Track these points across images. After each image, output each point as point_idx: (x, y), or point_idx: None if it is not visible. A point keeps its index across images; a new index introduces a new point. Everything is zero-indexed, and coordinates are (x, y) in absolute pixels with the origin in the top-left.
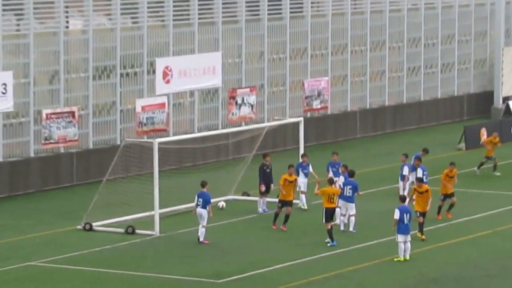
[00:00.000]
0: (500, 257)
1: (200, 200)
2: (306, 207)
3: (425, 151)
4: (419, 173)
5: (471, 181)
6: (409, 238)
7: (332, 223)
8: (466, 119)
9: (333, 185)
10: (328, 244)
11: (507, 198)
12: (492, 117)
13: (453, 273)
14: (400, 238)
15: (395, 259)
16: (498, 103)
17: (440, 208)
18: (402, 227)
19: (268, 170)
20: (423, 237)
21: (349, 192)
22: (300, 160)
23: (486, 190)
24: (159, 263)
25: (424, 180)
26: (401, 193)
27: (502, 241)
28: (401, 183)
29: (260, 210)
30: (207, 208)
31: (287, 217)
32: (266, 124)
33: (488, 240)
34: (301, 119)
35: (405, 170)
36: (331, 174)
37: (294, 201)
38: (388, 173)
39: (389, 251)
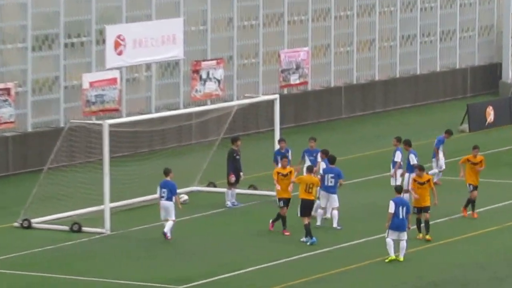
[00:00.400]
0: (510, 257)
1: (164, 190)
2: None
3: (449, 133)
4: (412, 159)
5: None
6: (404, 236)
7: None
8: (470, 96)
9: (313, 174)
10: (308, 243)
11: None
12: (500, 93)
13: (455, 276)
14: (391, 234)
15: (387, 260)
16: (507, 77)
17: (469, 202)
18: (396, 222)
19: (238, 157)
20: (428, 237)
21: (330, 182)
22: (277, 147)
23: (494, 179)
24: (110, 266)
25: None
26: (392, 183)
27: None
28: (393, 171)
29: (228, 203)
30: (173, 199)
31: (284, 219)
32: (235, 102)
33: (496, 237)
34: (277, 96)
35: (397, 156)
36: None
37: (269, 192)
38: (378, 159)
39: (381, 251)
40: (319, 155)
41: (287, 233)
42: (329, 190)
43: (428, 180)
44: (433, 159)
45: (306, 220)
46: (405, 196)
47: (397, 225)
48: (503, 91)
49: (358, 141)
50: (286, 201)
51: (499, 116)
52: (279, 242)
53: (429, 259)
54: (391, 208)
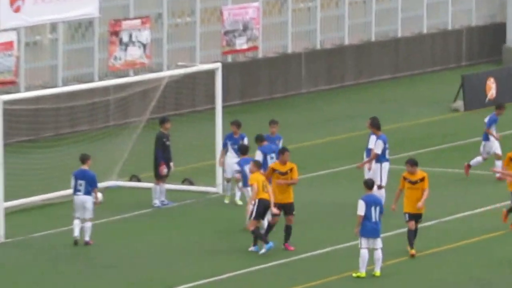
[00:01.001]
0: (505, 268)
1: (81, 182)
2: (240, 202)
3: (501, 108)
4: (378, 146)
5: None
6: (379, 243)
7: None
8: (466, 65)
9: (261, 170)
10: (260, 252)
11: None
12: (504, 61)
13: None
14: (364, 242)
15: (354, 275)
16: None
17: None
18: (368, 227)
19: (168, 143)
20: (412, 251)
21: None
22: (221, 130)
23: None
24: (3, 282)
25: (386, 157)
26: (367, 176)
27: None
28: (374, 164)
29: (156, 202)
30: (93, 194)
31: (289, 230)
32: (165, 73)
33: (497, 245)
34: (219, 65)
35: (379, 146)
36: (233, 154)
37: (208, 188)
38: (349, 146)
39: (352, 263)
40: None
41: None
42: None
43: (423, 179)
44: (483, 143)
45: (254, 225)
46: (381, 193)
47: (370, 231)
48: (508, 58)
49: (322, 123)
50: (285, 208)
51: (502, 91)
52: (220, 253)
53: (414, 273)
54: (361, 209)
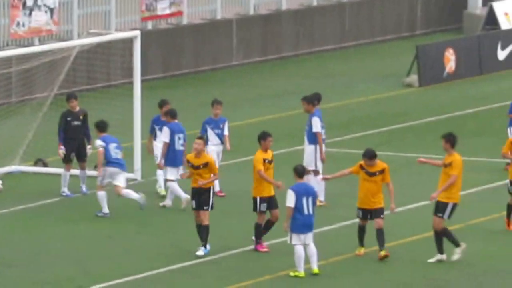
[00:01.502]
0: (474, 271)
1: None
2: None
3: None
4: (315, 124)
5: (429, 142)
6: (310, 238)
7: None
8: (420, 34)
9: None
10: (199, 253)
11: (485, 169)
12: (465, 30)
13: None
14: (295, 239)
15: (292, 274)
16: (475, 7)
17: (509, 208)
18: (299, 221)
19: (76, 123)
20: (383, 253)
21: None
22: (211, 115)
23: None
24: None
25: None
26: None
27: (477, 243)
28: (307, 146)
29: (65, 190)
30: None
31: (271, 224)
32: (76, 42)
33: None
34: (137, 33)
35: (316, 124)
36: (215, 140)
37: (129, 175)
38: (286, 127)
39: (286, 260)
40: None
41: (262, 249)
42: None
43: (383, 170)
44: (509, 128)
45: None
46: (312, 180)
47: (301, 225)
48: (470, 26)
49: (257, 100)
50: (268, 201)
51: (463, 64)
52: (137, 249)
53: (362, 273)
54: (290, 201)
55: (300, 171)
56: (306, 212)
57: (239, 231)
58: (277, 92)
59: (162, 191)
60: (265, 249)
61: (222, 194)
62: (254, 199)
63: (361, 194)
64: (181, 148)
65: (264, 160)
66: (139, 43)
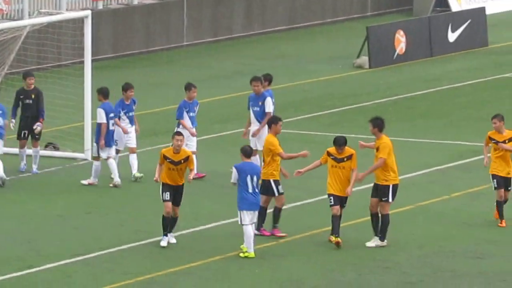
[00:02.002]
0: (419, 252)
1: None
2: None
3: None
4: (269, 105)
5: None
6: (256, 217)
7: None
8: (371, 15)
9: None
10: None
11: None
12: (415, 12)
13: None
14: (247, 217)
15: (242, 255)
16: None
17: (498, 205)
18: (250, 199)
19: (28, 101)
20: (337, 239)
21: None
22: (185, 98)
23: (407, 136)
24: None
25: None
26: (253, 144)
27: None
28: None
29: (21, 165)
30: None
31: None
32: (26, 21)
33: (403, 222)
34: (88, 13)
35: (269, 105)
36: (189, 124)
37: (75, 154)
38: (237, 107)
39: (236, 240)
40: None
41: (267, 233)
42: None
43: (350, 156)
44: None
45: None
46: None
47: (251, 203)
48: (420, 8)
49: (207, 80)
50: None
51: (413, 46)
52: (87, 229)
53: (310, 255)
54: (233, 177)
55: (247, 151)
56: (250, 190)
57: (188, 211)
58: (228, 72)
59: (137, 174)
60: (282, 234)
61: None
62: (268, 182)
63: (331, 180)
64: (112, 128)
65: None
66: (90, 23)
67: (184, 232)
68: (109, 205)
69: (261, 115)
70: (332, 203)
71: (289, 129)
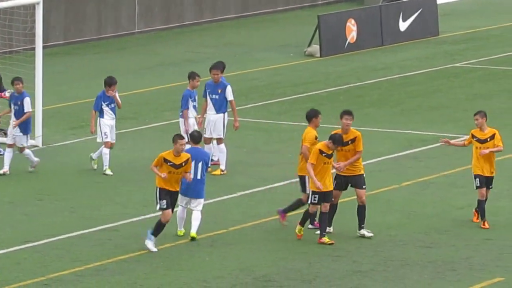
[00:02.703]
0: (370, 241)
1: None
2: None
3: None
4: (230, 93)
5: (329, 112)
6: (199, 204)
7: None
8: (322, 4)
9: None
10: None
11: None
12: (367, 1)
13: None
14: (180, 199)
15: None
16: None
17: (479, 204)
18: (185, 184)
19: None
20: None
21: None
22: (188, 87)
23: (358, 125)
24: None
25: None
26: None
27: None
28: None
29: None
30: None
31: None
32: None
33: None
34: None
35: (230, 93)
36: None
37: (30, 141)
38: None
39: (185, 228)
40: None
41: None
42: None
43: (354, 139)
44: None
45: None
46: (216, 148)
47: (186, 188)
48: None
49: (158, 68)
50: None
51: (364, 34)
52: (37, 216)
53: (245, 243)
54: None
55: (196, 137)
56: (193, 176)
57: (139, 199)
58: (179, 60)
59: (108, 170)
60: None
61: None
62: (303, 178)
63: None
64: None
65: (316, 137)
66: (41, 9)
67: (134, 219)
68: (60, 192)
69: (219, 103)
70: (316, 201)
71: (240, 117)
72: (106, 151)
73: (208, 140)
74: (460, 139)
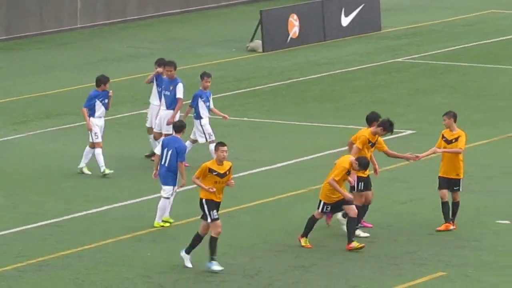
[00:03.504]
0: (314, 235)
1: None
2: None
3: None
4: (181, 90)
5: (271, 107)
6: (163, 191)
7: None
8: None
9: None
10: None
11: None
12: None
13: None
14: (164, 191)
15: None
16: None
17: (443, 206)
18: (159, 170)
19: None
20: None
21: None
22: (201, 87)
23: (301, 120)
24: None
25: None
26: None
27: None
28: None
29: None
30: None
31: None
32: None
33: (288, 206)
34: None
35: (180, 90)
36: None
37: None
38: (131, 89)
39: (127, 222)
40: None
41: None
42: None
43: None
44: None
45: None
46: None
47: (159, 174)
48: None
49: (101, 63)
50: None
51: (306, 29)
52: None
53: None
54: (157, 149)
55: (177, 126)
56: (163, 162)
57: (82, 194)
58: (122, 55)
59: (106, 170)
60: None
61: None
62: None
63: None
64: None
65: (369, 141)
66: None
67: (76, 215)
68: (3, 188)
69: (170, 100)
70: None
71: (183, 112)
72: (98, 151)
73: (158, 135)
74: (430, 150)
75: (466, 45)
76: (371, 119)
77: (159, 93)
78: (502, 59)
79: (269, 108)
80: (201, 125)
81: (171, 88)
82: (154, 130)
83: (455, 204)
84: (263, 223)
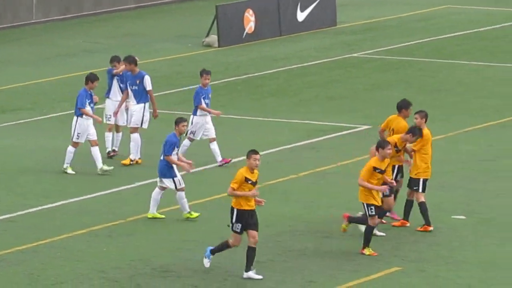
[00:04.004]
0: (267, 232)
1: None
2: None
3: None
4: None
5: (227, 101)
6: (162, 182)
7: None
8: None
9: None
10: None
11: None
12: None
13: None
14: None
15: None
16: None
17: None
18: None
19: None
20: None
21: None
22: (200, 84)
23: (257, 115)
24: None
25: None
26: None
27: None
28: (136, 105)
29: None
30: None
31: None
32: None
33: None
34: None
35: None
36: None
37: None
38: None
39: (81, 218)
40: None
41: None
42: None
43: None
44: None
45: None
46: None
47: (158, 169)
48: None
49: (56, 58)
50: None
51: (262, 25)
52: None
53: (159, 232)
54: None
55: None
56: (161, 157)
57: (38, 189)
58: (76, 51)
59: (69, 168)
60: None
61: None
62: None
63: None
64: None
65: (395, 146)
66: None
67: (32, 210)
68: None
69: (139, 94)
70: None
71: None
72: (71, 149)
73: (132, 130)
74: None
75: (421, 40)
76: (401, 107)
77: (121, 89)
78: (457, 54)
79: (225, 103)
80: (192, 121)
81: (137, 82)
82: (121, 124)
83: (410, 202)
84: (218, 217)
